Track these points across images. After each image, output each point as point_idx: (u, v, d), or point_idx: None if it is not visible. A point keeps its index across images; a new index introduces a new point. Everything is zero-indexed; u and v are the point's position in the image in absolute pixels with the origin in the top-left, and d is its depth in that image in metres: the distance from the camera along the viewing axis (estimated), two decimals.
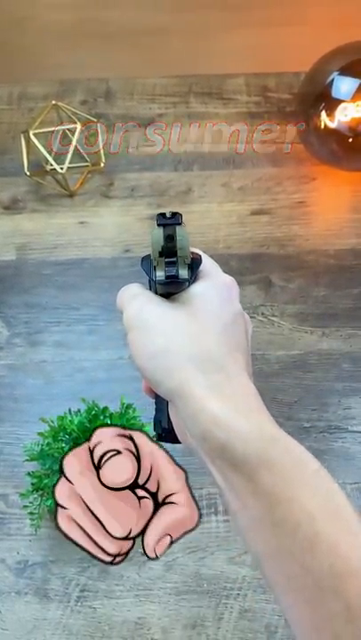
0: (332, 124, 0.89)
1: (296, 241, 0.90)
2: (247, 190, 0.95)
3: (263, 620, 0.64)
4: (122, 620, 0.64)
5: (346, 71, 0.88)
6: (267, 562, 0.33)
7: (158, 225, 0.38)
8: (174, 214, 0.38)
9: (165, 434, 0.42)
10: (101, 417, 0.66)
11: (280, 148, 0.99)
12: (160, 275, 0.38)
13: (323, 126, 0.90)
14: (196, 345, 0.36)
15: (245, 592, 0.65)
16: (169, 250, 0.38)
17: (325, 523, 0.32)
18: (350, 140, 0.90)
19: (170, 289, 0.40)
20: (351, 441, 0.75)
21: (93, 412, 0.67)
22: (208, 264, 0.42)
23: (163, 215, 0.39)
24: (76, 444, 0.64)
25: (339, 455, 0.74)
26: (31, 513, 0.66)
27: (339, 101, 0.88)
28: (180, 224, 0.38)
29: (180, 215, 0.38)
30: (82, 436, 0.65)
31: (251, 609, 0.64)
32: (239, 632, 0.63)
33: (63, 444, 0.65)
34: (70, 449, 0.63)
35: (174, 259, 0.38)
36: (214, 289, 0.40)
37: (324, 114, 0.89)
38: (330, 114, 0.89)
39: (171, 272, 0.38)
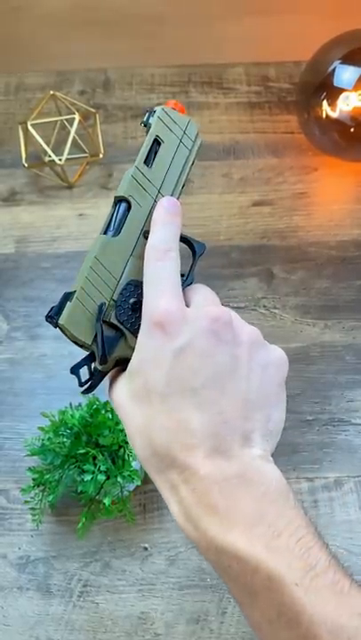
0: (334, 114, 0.88)
1: (298, 232, 0.89)
2: (248, 181, 0.94)
3: None
4: (125, 615, 0.64)
5: (347, 60, 0.87)
6: None
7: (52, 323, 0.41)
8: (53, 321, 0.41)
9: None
10: (103, 411, 0.66)
11: (281, 139, 0.98)
12: None
13: (324, 116, 0.89)
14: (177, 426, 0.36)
15: None
16: None
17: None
18: (352, 129, 0.88)
19: None
20: (355, 434, 0.74)
21: (95, 407, 0.66)
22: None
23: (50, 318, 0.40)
24: (77, 438, 0.64)
25: (342, 448, 0.73)
26: (32, 508, 0.65)
27: (340, 90, 0.87)
28: None
29: None
30: (83, 430, 0.64)
31: None
32: (243, 626, 0.63)
33: (64, 439, 0.64)
34: (71, 443, 0.63)
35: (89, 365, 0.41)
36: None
37: (325, 103, 0.88)
38: (331, 103, 0.88)
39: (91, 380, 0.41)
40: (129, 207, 0.42)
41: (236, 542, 0.33)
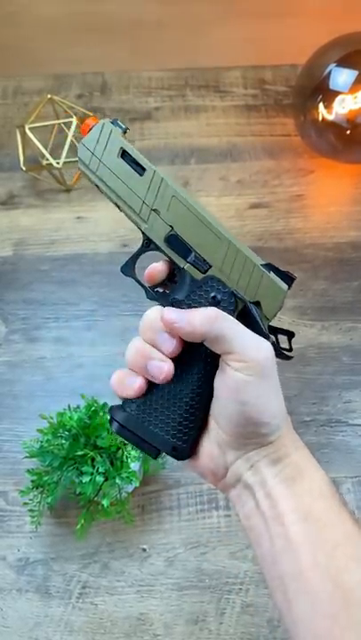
0: (330, 117, 0.89)
1: (295, 234, 0.90)
2: (245, 183, 0.94)
3: (265, 615, 0.64)
4: (124, 616, 0.64)
5: (343, 63, 0.87)
6: (294, 580, 0.37)
7: (289, 283, 0.43)
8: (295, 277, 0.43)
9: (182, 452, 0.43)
10: (101, 413, 0.66)
11: (278, 141, 0.98)
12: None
13: (320, 118, 0.89)
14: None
15: (247, 587, 0.65)
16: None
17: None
18: (348, 132, 0.89)
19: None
20: (352, 434, 0.74)
21: (93, 408, 0.66)
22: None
23: (294, 278, 0.43)
24: (75, 440, 0.64)
25: (339, 449, 0.74)
26: (31, 510, 0.65)
27: (336, 93, 0.87)
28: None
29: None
30: (81, 432, 0.65)
31: (253, 603, 0.64)
32: (241, 627, 0.63)
33: (63, 441, 0.65)
34: (70, 445, 0.63)
35: (290, 332, 0.44)
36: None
37: (321, 106, 0.89)
38: (327, 106, 0.88)
39: (289, 348, 0.43)
40: None
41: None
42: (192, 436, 0.42)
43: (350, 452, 0.73)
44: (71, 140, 0.90)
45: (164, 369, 0.40)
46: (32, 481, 0.65)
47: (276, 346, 0.41)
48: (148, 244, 0.43)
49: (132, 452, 0.64)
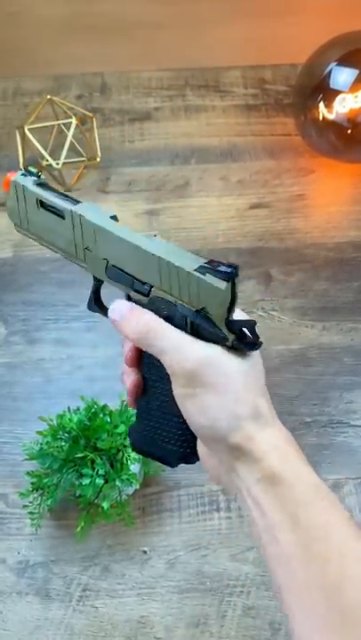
0: (331, 116, 0.88)
1: (295, 234, 0.89)
2: (245, 183, 0.94)
3: (267, 618, 0.63)
4: (125, 619, 0.64)
5: (344, 62, 0.87)
6: (290, 593, 0.36)
7: (227, 279, 0.37)
8: (235, 267, 0.38)
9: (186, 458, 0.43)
10: (101, 415, 0.66)
11: (278, 141, 0.98)
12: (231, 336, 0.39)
13: (321, 118, 0.89)
14: (253, 403, 0.39)
15: (249, 589, 0.65)
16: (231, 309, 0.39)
17: (357, 561, 0.35)
18: (349, 131, 0.89)
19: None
20: (353, 435, 0.74)
21: (93, 410, 0.66)
22: None
23: (232, 269, 0.37)
24: (75, 442, 0.64)
25: (341, 450, 0.73)
26: (31, 512, 0.65)
27: (337, 92, 0.87)
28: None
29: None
30: (81, 434, 0.64)
31: (254, 606, 0.64)
32: (243, 630, 0.63)
33: (62, 443, 0.64)
34: (70, 447, 0.63)
35: (250, 321, 0.39)
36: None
37: (322, 105, 0.88)
38: (328, 105, 0.88)
39: (255, 338, 0.39)
40: None
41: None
42: (195, 442, 0.43)
43: (352, 454, 0.73)
44: (71, 141, 0.90)
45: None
46: (32, 483, 0.65)
47: (238, 341, 0.39)
48: (98, 280, 0.45)
49: (132, 454, 0.64)
